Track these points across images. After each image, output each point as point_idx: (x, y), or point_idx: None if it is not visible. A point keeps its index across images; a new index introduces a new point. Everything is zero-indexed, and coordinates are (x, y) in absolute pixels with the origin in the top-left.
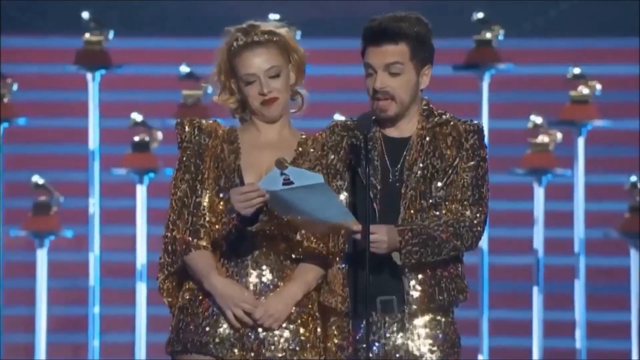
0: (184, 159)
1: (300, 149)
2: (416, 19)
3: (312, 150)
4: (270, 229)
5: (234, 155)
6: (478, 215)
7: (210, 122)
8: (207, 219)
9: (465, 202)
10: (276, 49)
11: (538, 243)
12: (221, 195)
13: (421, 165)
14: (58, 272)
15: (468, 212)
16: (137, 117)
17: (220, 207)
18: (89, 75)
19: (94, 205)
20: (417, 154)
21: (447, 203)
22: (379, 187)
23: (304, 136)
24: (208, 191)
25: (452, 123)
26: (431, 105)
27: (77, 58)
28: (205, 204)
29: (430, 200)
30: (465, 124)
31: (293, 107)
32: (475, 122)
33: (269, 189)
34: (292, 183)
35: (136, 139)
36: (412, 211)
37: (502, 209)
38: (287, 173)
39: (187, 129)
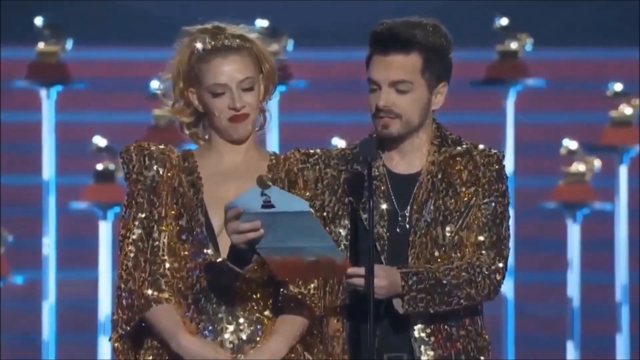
0: (136, 194)
1: (270, 174)
2: (433, 27)
3: (286, 174)
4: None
5: (195, 188)
6: (497, 260)
7: (162, 147)
8: (168, 265)
9: (481, 245)
10: (249, 58)
11: (573, 289)
12: (183, 237)
13: (432, 207)
14: (6, 325)
15: (485, 257)
16: (100, 141)
17: (185, 251)
18: (43, 92)
19: (48, 245)
20: (428, 194)
21: (460, 247)
22: (386, 237)
23: (273, 158)
24: (167, 232)
25: (467, 154)
26: (443, 131)
27: (30, 72)
28: (164, 248)
29: (443, 248)
30: (482, 154)
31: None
32: (494, 150)
33: (246, 208)
34: (272, 206)
35: (99, 167)
36: (421, 261)
37: (530, 249)
38: (269, 194)
39: (135, 157)
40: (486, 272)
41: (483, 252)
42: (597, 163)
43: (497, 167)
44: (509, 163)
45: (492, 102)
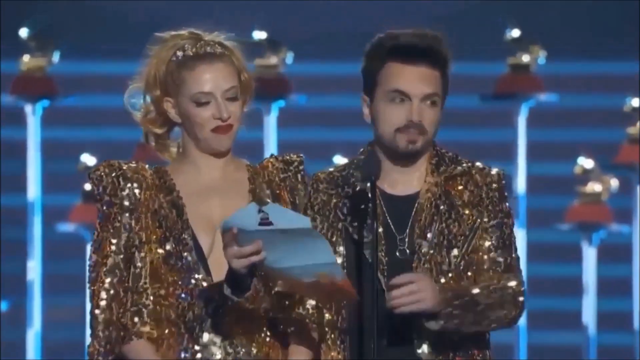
0: (112, 217)
1: (252, 186)
2: (440, 39)
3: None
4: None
5: (178, 209)
6: (517, 283)
7: (134, 165)
8: (150, 294)
9: (498, 269)
10: (232, 66)
11: (589, 317)
12: (171, 262)
13: (436, 231)
14: None
15: (505, 280)
16: (88, 159)
17: (172, 277)
18: (28, 108)
19: (34, 269)
20: (431, 217)
21: (467, 271)
22: (385, 261)
23: (251, 169)
24: (149, 258)
25: (467, 173)
26: (439, 149)
27: (14, 86)
28: (147, 275)
29: (449, 274)
30: (482, 173)
31: None
32: (495, 169)
33: (241, 226)
34: (270, 224)
35: (87, 187)
36: None
37: (543, 274)
38: (267, 211)
39: (105, 178)
40: (512, 294)
41: (503, 275)
42: (613, 182)
43: (498, 186)
44: (520, 182)
45: (502, 118)
